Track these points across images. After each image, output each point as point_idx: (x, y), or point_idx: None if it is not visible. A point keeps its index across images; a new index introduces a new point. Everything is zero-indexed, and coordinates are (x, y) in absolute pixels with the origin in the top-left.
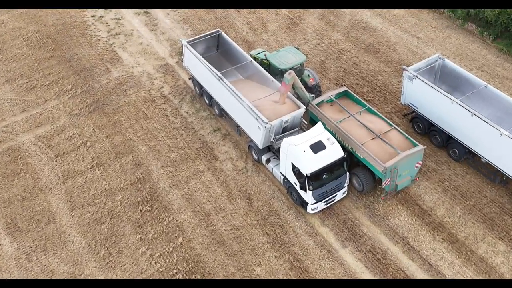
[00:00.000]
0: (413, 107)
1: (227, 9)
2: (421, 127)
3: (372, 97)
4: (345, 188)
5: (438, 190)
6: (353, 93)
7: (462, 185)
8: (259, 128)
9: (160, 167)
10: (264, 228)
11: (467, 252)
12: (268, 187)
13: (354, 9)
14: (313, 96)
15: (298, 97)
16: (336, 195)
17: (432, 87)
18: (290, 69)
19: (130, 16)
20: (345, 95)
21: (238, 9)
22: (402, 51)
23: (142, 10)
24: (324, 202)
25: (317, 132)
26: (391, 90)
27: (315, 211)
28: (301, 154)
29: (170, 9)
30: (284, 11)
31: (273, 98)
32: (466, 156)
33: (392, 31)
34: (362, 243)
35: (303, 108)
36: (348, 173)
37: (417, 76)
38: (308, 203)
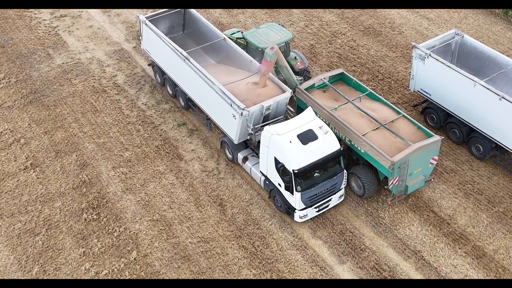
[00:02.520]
0: (425, 94)
1: None
2: (436, 119)
3: (374, 86)
4: (342, 191)
5: (459, 195)
6: (351, 76)
7: (488, 189)
8: (233, 116)
9: (111, 168)
10: (240, 240)
11: (498, 269)
12: (245, 192)
13: None
14: (301, 80)
15: (283, 80)
16: (330, 200)
17: (449, 67)
18: None
19: None
20: (340, 79)
21: None
22: (409, 33)
23: None
24: (315, 208)
25: (307, 119)
26: (396, 78)
27: (304, 220)
28: (286, 146)
29: None
30: None
31: (251, 80)
32: (493, 153)
33: (397, 11)
34: (364, 258)
35: (288, 92)
36: (345, 171)
37: (430, 55)
38: (295, 209)
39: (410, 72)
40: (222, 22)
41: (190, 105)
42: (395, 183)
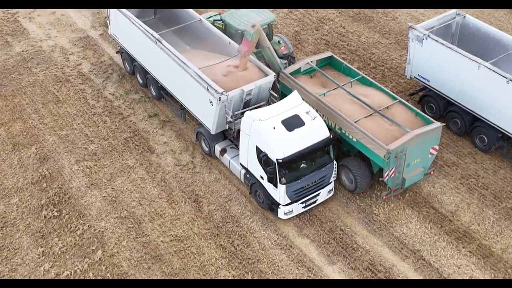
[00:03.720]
0: (423, 81)
1: None
2: (435, 108)
3: (366, 74)
4: (331, 185)
5: (461, 190)
6: (341, 60)
7: (494, 183)
8: (210, 102)
9: (74, 162)
10: (218, 239)
11: (507, 269)
12: (223, 187)
13: None
14: (285, 63)
15: (266, 64)
16: (318, 194)
17: (450, 48)
18: None
19: None
20: (329, 64)
21: None
22: (404, 19)
23: None
24: (301, 203)
25: (293, 104)
26: (390, 65)
27: (289, 216)
28: (269, 132)
29: None
30: None
31: (230, 63)
32: (499, 144)
33: None
34: (357, 258)
35: (272, 76)
36: (335, 162)
37: (429, 36)
38: (279, 205)
39: (406, 57)
40: (200, 11)
41: (163, 94)
42: (391, 175)
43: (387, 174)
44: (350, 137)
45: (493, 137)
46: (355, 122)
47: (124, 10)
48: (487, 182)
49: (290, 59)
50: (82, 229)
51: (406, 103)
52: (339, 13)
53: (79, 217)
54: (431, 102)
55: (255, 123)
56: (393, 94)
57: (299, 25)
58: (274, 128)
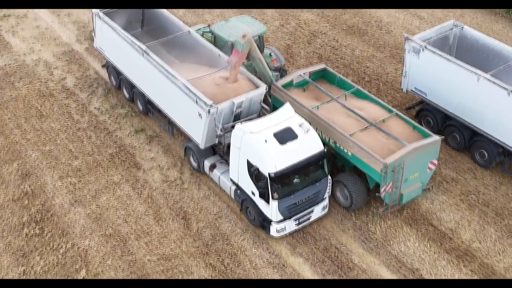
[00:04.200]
0: (420, 94)
1: None
2: (433, 122)
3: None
4: (326, 201)
5: (461, 207)
6: (335, 72)
7: (495, 199)
8: (199, 115)
9: (58, 178)
10: (207, 258)
11: None
12: (213, 204)
13: None
14: (277, 75)
15: (256, 75)
16: (312, 211)
17: (448, 59)
18: None
19: None
20: (322, 76)
21: None
22: (399, 32)
23: None
24: (295, 220)
25: (285, 116)
26: (385, 79)
27: (281, 234)
28: (261, 145)
29: None
30: None
31: (220, 75)
32: (500, 160)
33: (384, 10)
34: (353, 277)
35: (263, 88)
36: (330, 177)
37: (425, 47)
38: (271, 222)
39: (402, 70)
40: (187, 22)
41: (150, 108)
42: (388, 190)
43: (384, 190)
44: (345, 151)
45: (493, 152)
46: (350, 135)
47: (110, 21)
48: (488, 198)
49: (281, 72)
50: (65, 248)
51: (403, 116)
52: (332, 26)
53: (62, 235)
54: (429, 116)
55: (246, 136)
56: (389, 107)
57: (290, 39)
58: (265, 141)
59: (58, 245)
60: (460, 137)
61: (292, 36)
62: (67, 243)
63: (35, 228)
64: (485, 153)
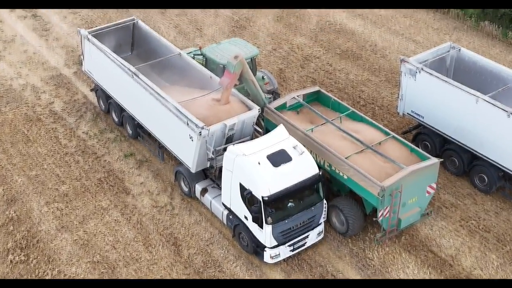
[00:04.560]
0: (417, 117)
1: (147, 9)
2: (430, 146)
3: None
4: (321, 227)
5: (462, 232)
6: (330, 95)
7: (496, 225)
8: (190, 138)
9: (44, 203)
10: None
11: None
12: (204, 230)
13: (323, 9)
14: (270, 98)
15: (249, 98)
16: (307, 237)
17: (446, 81)
18: None
19: (12, 20)
20: (316, 99)
21: (162, 10)
22: (394, 56)
23: (30, 13)
24: (289, 246)
25: (279, 138)
26: (381, 103)
27: (276, 260)
28: (254, 168)
29: (68, 11)
30: (226, 12)
31: (211, 97)
32: (500, 184)
33: (378, 34)
34: None
35: (256, 110)
36: (325, 201)
37: (422, 69)
38: (265, 247)
39: (398, 93)
40: (178, 45)
41: (140, 132)
42: (386, 215)
43: (382, 214)
44: (341, 174)
45: (494, 176)
46: (346, 158)
47: (99, 43)
48: (489, 224)
49: (274, 95)
50: (51, 275)
51: (400, 138)
52: (326, 50)
53: (48, 262)
54: (426, 140)
55: (239, 158)
56: (386, 130)
57: (283, 63)
58: (259, 163)
59: (43, 272)
60: (459, 161)
61: (285, 60)
62: (53, 270)
63: (20, 254)
64: (485, 177)
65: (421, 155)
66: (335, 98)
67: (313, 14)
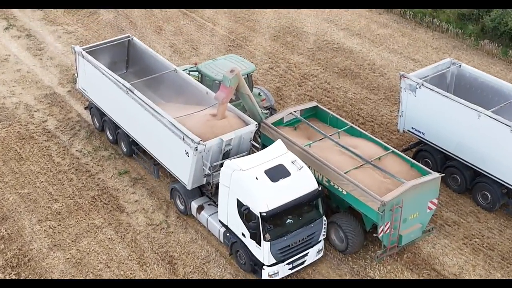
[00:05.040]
0: (418, 134)
1: (145, 28)
2: (431, 163)
3: None
4: (321, 244)
5: (465, 251)
6: (327, 110)
7: (501, 243)
8: (186, 153)
9: (36, 221)
10: None
11: None
12: (201, 248)
13: (320, 29)
14: (267, 113)
15: (246, 113)
16: (307, 254)
17: (446, 96)
18: None
19: (6, 39)
20: (314, 115)
21: (158, 31)
22: (393, 75)
23: (24, 33)
24: (288, 264)
25: (277, 152)
26: (380, 121)
27: (274, 278)
28: (251, 183)
29: (62, 32)
30: (222, 31)
31: (207, 112)
32: (504, 201)
33: (377, 53)
34: None
35: (253, 125)
36: (325, 218)
37: (422, 84)
38: (263, 265)
39: (398, 109)
40: (173, 63)
41: (134, 149)
42: (386, 231)
43: (382, 230)
44: (340, 189)
45: (497, 193)
46: (345, 173)
47: (94, 60)
48: (493, 242)
49: (271, 111)
50: None
51: (400, 153)
52: (323, 69)
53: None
54: (427, 157)
55: (236, 173)
56: (385, 145)
57: (280, 81)
58: (256, 178)
59: None
60: (461, 178)
61: (282, 79)
62: None
63: (11, 273)
64: (488, 195)
65: (422, 170)
66: (333, 114)
67: (310, 33)
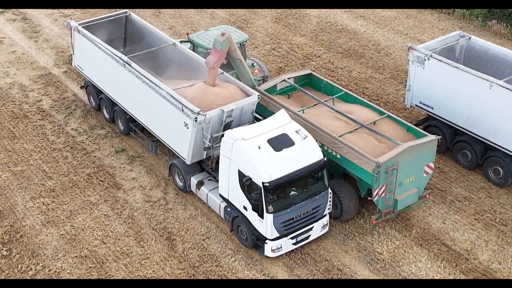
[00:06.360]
0: (426, 108)
1: (143, 9)
2: (440, 140)
3: None
4: (326, 218)
5: (476, 226)
6: (322, 77)
7: None
8: (186, 125)
9: (29, 198)
10: None
11: None
12: (200, 224)
13: (323, 10)
14: (260, 81)
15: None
16: (311, 229)
17: (456, 67)
18: None
19: (1, 23)
20: (308, 83)
21: (157, 13)
22: (398, 55)
23: (19, 16)
24: (292, 238)
25: (280, 122)
26: (386, 99)
27: (277, 254)
28: (254, 153)
29: (59, 15)
30: (222, 13)
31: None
32: None
33: (381, 34)
34: None
35: (255, 96)
36: (330, 190)
37: (431, 55)
38: (266, 240)
39: (406, 80)
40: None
41: (132, 126)
42: (381, 194)
43: (377, 193)
44: (334, 153)
45: (509, 167)
46: (339, 136)
47: (90, 34)
48: (506, 217)
49: (265, 81)
50: (35, 270)
51: (396, 117)
52: (327, 49)
53: (32, 257)
54: (436, 132)
55: (237, 143)
56: (381, 109)
57: (283, 61)
58: (259, 147)
59: (27, 267)
60: (472, 154)
61: (284, 59)
62: (37, 265)
63: (2, 249)
64: (500, 169)
65: (419, 134)
66: (327, 80)
67: (312, 15)
